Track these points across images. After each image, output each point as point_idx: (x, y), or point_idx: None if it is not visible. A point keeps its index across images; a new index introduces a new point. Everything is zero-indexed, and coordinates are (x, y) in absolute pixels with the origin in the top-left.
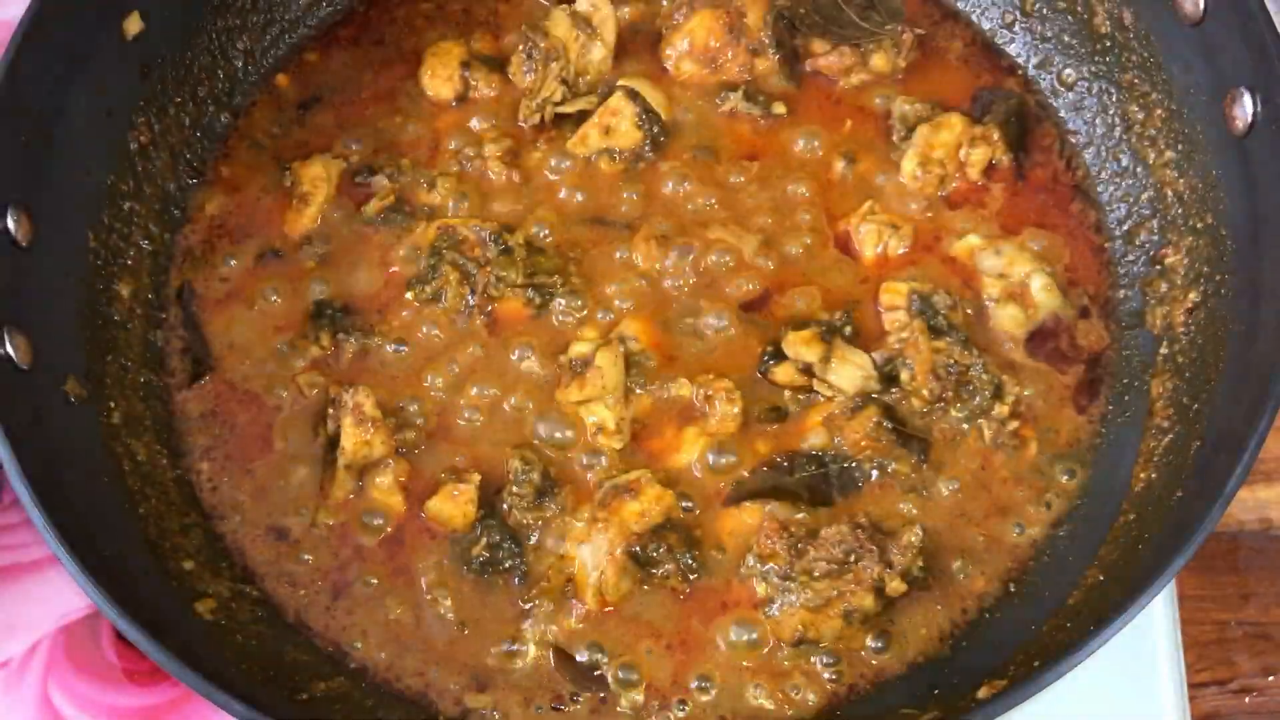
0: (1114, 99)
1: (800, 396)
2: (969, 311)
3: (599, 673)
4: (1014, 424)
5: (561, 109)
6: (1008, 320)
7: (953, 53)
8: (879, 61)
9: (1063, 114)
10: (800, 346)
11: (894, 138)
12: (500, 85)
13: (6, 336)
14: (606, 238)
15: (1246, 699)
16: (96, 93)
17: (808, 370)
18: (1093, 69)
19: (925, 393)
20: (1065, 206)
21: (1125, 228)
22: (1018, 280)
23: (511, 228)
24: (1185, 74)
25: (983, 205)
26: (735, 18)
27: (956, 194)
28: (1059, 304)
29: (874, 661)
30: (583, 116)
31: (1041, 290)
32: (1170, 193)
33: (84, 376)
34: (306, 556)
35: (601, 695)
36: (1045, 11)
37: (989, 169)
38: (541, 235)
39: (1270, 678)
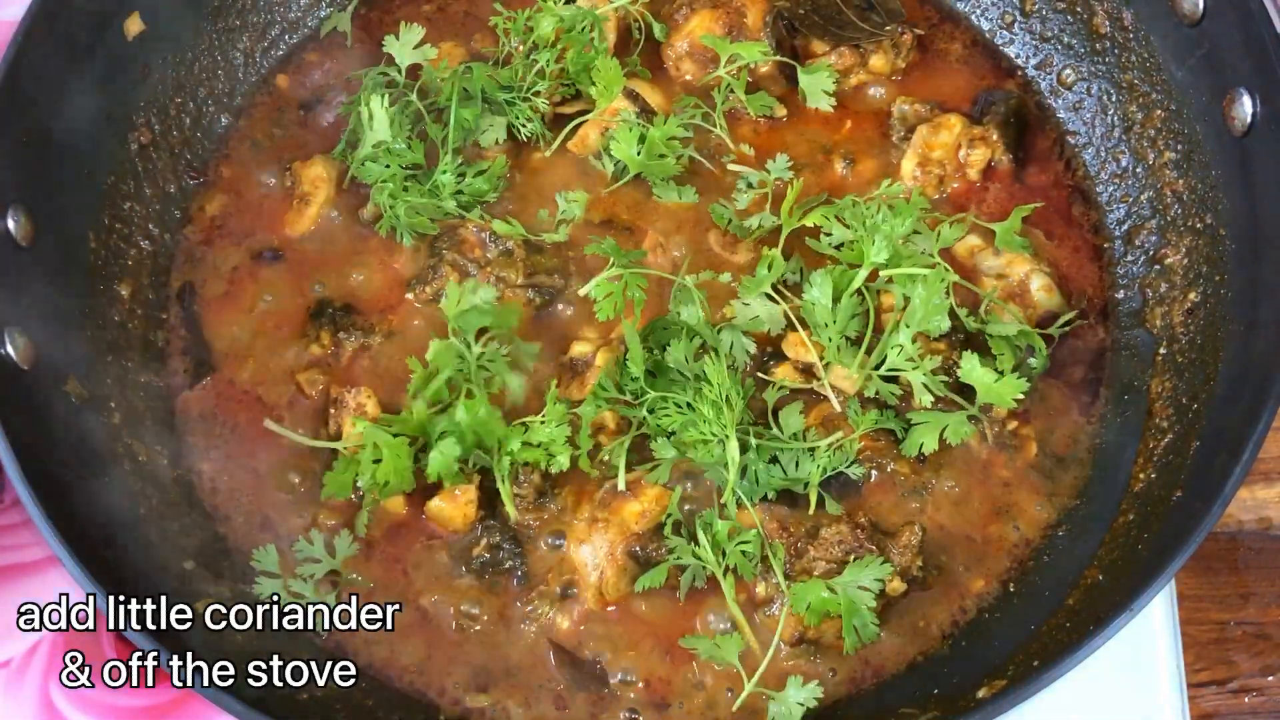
0: (1113, 99)
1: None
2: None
3: (599, 671)
4: (1013, 424)
5: (561, 109)
6: (1007, 320)
7: (953, 54)
8: (878, 62)
9: (1062, 115)
10: (800, 347)
11: (893, 138)
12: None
13: (7, 336)
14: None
15: (1246, 699)
16: (96, 93)
17: (807, 370)
18: (1092, 69)
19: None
20: (1064, 207)
21: (1125, 228)
22: (1017, 280)
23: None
24: (1185, 74)
25: (982, 206)
26: (735, 18)
27: (956, 194)
28: (1058, 304)
29: (874, 661)
30: (582, 117)
31: (1040, 290)
32: (1169, 193)
33: (84, 376)
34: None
35: (601, 694)
36: (1045, 12)
37: (988, 169)
38: (541, 235)
39: (1270, 678)
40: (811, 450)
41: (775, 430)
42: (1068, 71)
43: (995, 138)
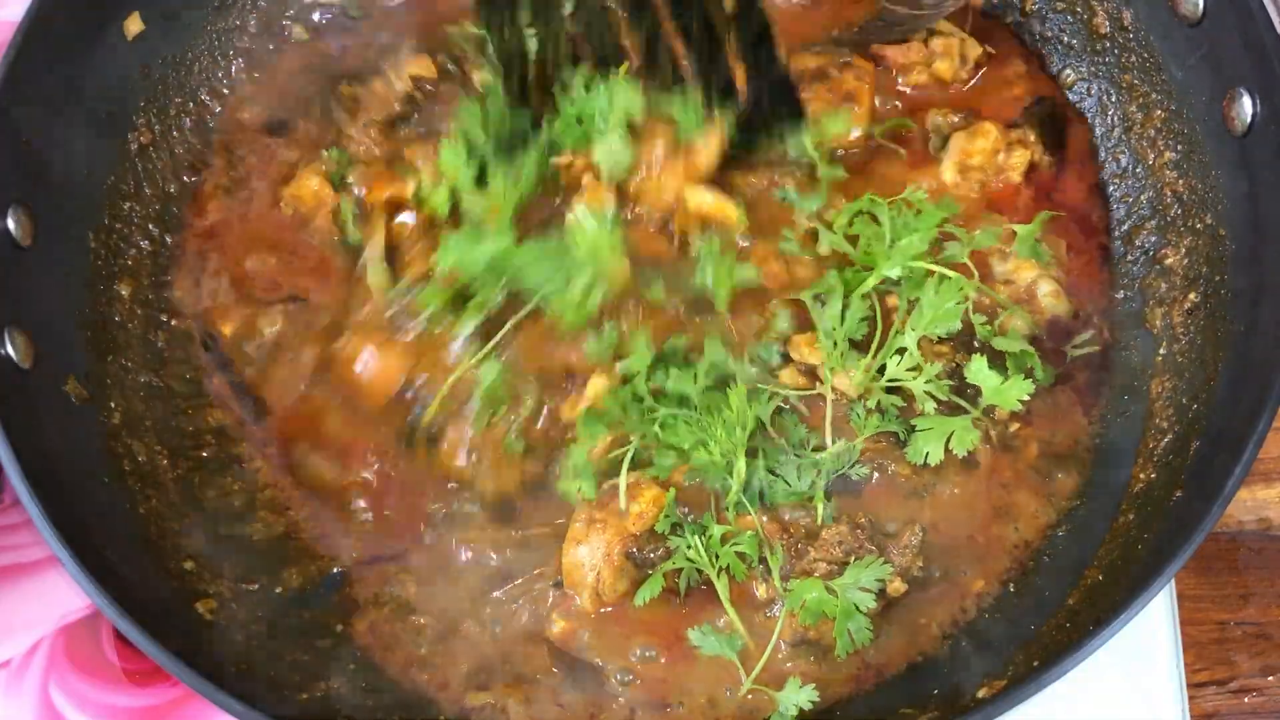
0: (1113, 99)
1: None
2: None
3: (597, 672)
4: (1014, 425)
5: None
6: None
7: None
8: (943, 67)
9: None
10: (804, 349)
11: (930, 149)
12: None
13: (7, 336)
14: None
15: (1246, 699)
16: (96, 93)
17: (810, 373)
18: (1092, 69)
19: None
20: (1077, 207)
21: (1125, 228)
22: (1024, 286)
23: None
24: (1185, 74)
25: (1015, 210)
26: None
27: (998, 197)
28: (1065, 310)
29: (874, 661)
30: None
31: (1048, 296)
32: (1170, 193)
33: (84, 377)
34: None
35: (600, 693)
36: (1045, 12)
37: (1030, 171)
38: None
39: (1270, 678)
40: (813, 461)
41: (779, 440)
42: (1068, 71)
43: (1033, 139)
